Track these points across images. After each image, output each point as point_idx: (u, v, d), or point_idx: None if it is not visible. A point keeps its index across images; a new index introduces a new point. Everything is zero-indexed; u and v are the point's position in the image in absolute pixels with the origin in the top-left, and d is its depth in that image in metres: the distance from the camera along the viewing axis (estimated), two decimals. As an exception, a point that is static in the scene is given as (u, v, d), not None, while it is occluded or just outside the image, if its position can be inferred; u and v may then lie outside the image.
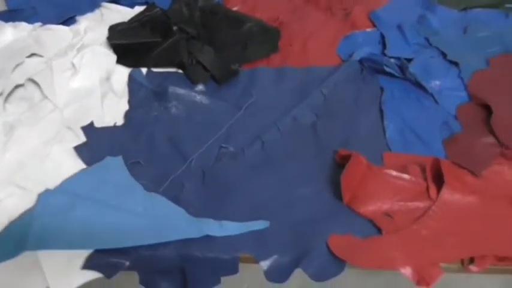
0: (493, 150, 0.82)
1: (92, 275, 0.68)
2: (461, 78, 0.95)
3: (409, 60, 0.98)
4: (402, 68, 0.94)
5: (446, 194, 0.74)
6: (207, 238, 0.71)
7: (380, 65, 0.95)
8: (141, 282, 0.70)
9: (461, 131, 0.86)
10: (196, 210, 0.74)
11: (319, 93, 0.93)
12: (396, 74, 0.94)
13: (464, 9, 1.14)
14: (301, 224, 0.73)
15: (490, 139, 0.84)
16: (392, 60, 0.98)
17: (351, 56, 1.01)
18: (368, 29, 1.09)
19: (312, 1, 1.19)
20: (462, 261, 0.70)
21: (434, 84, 0.94)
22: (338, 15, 1.13)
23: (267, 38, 1.04)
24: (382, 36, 1.05)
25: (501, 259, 0.69)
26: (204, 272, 0.69)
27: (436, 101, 0.92)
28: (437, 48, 1.01)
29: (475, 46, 1.02)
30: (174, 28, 1.00)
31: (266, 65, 1.01)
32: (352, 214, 0.74)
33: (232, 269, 0.70)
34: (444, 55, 1.00)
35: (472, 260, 0.69)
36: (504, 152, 0.81)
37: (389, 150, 0.84)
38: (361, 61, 0.99)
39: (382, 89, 0.94)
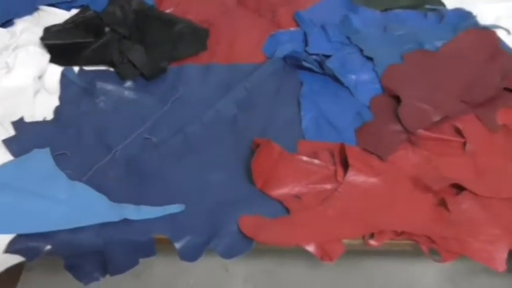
0: (400, 137, 0.88)
1: (15, 259, 0.70)
2: (376, 72, 1.00)
3: (330, 56, 1.03)
4: (321, 64, 1.00)
5: (351, 176, 0.79)
6: (126, 222, 0.74)
7: (300, 61, 1.00)
8: (65, 266, 0.72)
9: (371, 120, 0.91)
10: (117, 197, 0.77)
11: (243, 88, 0.97)
12: (315, 69, 0.99)
13: (386, 10, 1.20)
14: (215, 207, 0.77)
15: (397, 127, 0.89)
16: (313, 56, 1.03)
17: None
18: (292, 29, 1.13)
19: (241, 4, 1.23)
20: (363, 237, 0.74)
21: (350, 78, 0.99)
22: (266, 17, 1.18)
23: (196, 37, 1.08)
24: (306, 35, 1.10)
25: (399, 234, 0.74)
26: (123, 254, 0.72)
27: (351, 93, 0.97)
28: (357, 46, 1.06)
29: (392, 43, 1.08)
30: (106, 29, 1.03)
31: (194, 63, 1.05)
32: (264, 197, 0.78)
33: (149, 250, 0.73)
34: (362, 52, 1.05)
35: (372, 236, 0.74)
36: (409, 138, 0.87)
37: (305, 138, 0.89)
38: (284, 58, 1.04)
39: (302, 83, 0.99)
